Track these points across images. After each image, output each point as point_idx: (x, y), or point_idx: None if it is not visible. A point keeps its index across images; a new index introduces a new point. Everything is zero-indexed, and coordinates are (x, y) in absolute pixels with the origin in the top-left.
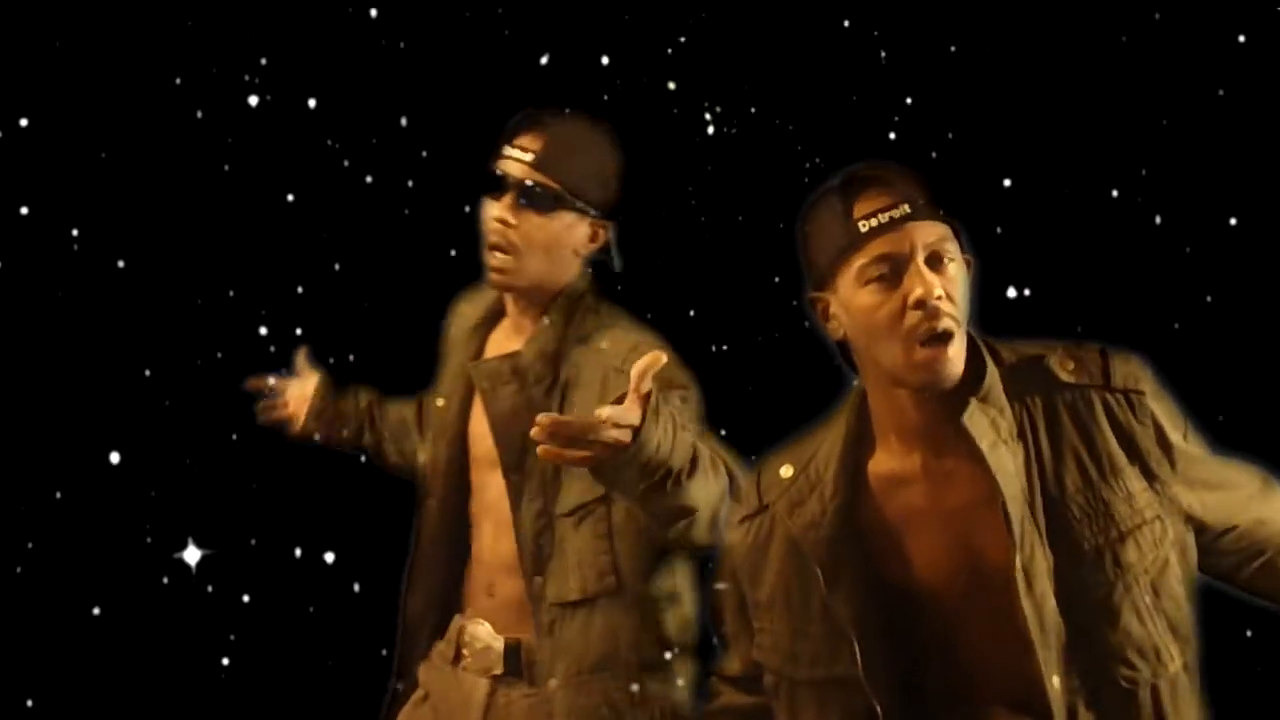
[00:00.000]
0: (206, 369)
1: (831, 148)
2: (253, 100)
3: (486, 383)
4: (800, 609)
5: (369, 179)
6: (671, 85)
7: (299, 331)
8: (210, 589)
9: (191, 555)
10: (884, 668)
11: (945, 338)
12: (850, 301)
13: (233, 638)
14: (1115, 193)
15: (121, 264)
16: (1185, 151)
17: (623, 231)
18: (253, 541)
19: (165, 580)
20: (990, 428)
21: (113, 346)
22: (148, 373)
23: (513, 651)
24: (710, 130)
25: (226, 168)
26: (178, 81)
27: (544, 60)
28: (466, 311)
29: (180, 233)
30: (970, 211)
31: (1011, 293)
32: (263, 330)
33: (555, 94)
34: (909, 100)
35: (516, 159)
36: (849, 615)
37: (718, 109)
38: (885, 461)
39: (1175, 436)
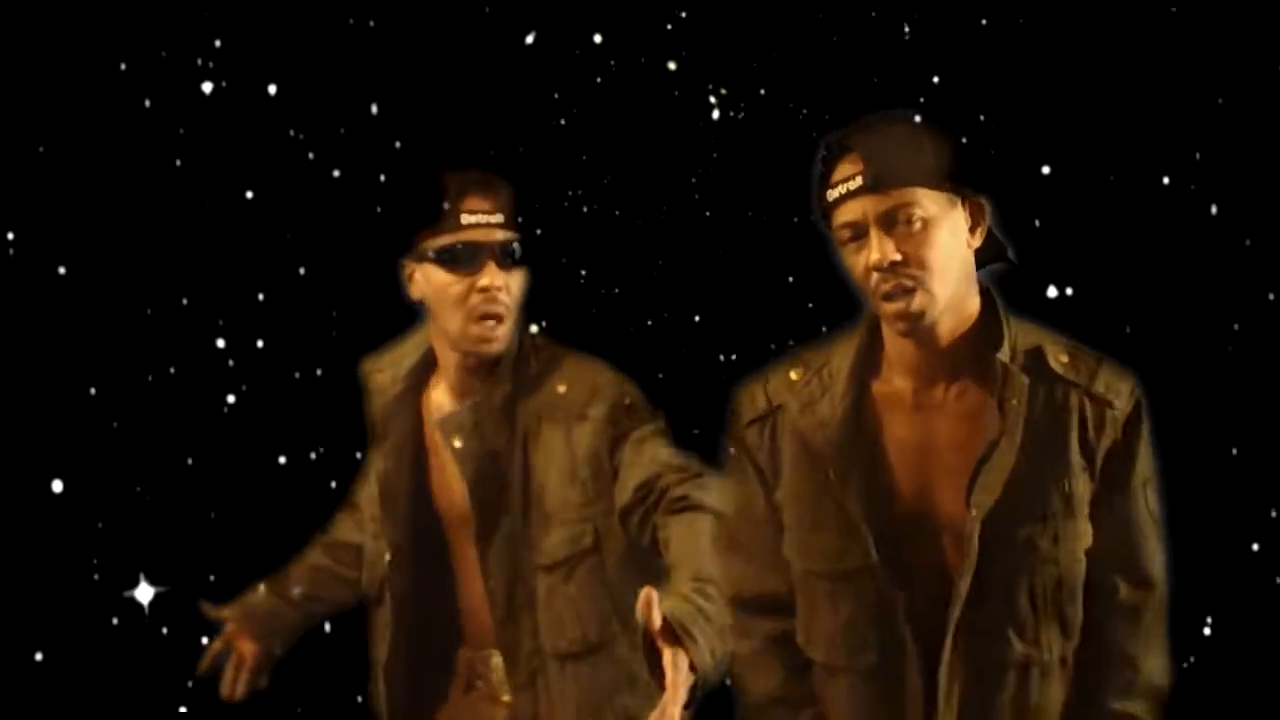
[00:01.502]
0: (158, 386)
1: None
2: (206, 87)
3: (456, 437)
4: (812, 506)
5: (336, 173)
6: (672, 65)
7: (260, 343)
8: (165, 631)
9: (144, 593)
10: (898, 565)
11: (903, 294)
12: (842, 255)
13: (190, 685)
14: (1166, 180)
15: (62, 270)
16: (1244, 133)
17: (621, 227)
18: (211, 578)
19: (115, 621)
20: (1021, 383)
21: (53, 362)
22: (93, 391)
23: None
24: (715, 115)
25: (178, 162)
26: (122, 67)
27: (529, 39)
28: (383, 382)
29: (127, 235)
30: (1003, 202)
31: (1052, 292)
32: (220, 342)
33: (542, 76)
34: (935, 79)
35: (491, 224)
36: (859, 511)
37: (723, 91)
38: (885, 386)
39: (1133, 471)
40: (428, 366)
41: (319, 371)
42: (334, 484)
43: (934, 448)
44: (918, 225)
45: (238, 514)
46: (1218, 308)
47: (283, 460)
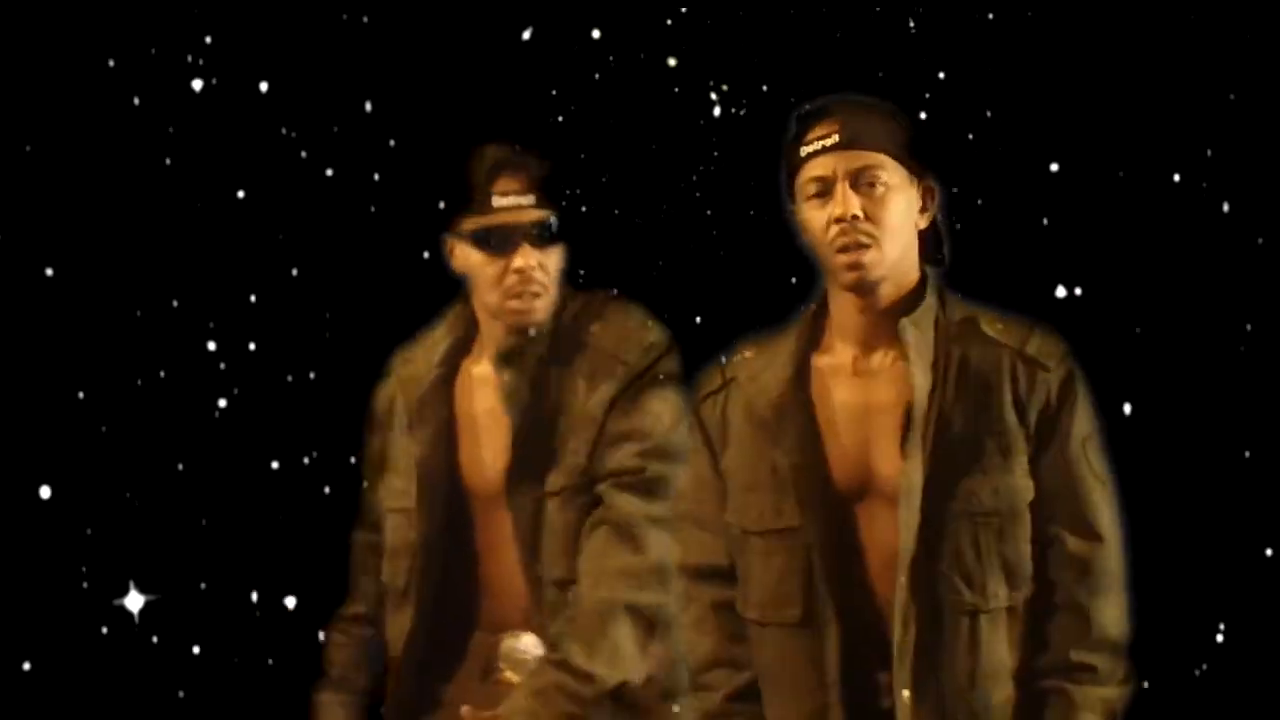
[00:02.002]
0: (148, 390)
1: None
2: (196, 84)
3: (506, 372)
4: (751, 468)
5: (330, 172)
6: (672, 61)
7: (252, 346)
8: (155, 640)
9: (134, 601)
10: (823, 523)
11: (858, 248)
12: (801, 215)
13: (181, 695)
14: (1177, 177)
15: (50, 271)
16: (1256, 129)
17: (620, 227)
18: (203, 585)
19: (104, 630)
20: (918, 342)
21: (40, 365)
22: (81, 395)
23: None
24: (716, 112)
25: (168, 161)
26: (111, 64)
27: (526, 35)
28: (418, 370)
29: (116, 235)
30: (1010, 200)
31: (1060, 292)
32: (211, 345)
33: (539, 72)
34: (941, 75)
35: (524, 205)
36: (792, 473)
37: (724, 88)
38: (827, 356)
39: (1063, 437)
40: (461, 349)
41: (312, 375)
42: (328, 489)
43: (871, 411)
44: (880, 189)
45: (230, 521)
46: (1230, 308)
47: (275, 465)
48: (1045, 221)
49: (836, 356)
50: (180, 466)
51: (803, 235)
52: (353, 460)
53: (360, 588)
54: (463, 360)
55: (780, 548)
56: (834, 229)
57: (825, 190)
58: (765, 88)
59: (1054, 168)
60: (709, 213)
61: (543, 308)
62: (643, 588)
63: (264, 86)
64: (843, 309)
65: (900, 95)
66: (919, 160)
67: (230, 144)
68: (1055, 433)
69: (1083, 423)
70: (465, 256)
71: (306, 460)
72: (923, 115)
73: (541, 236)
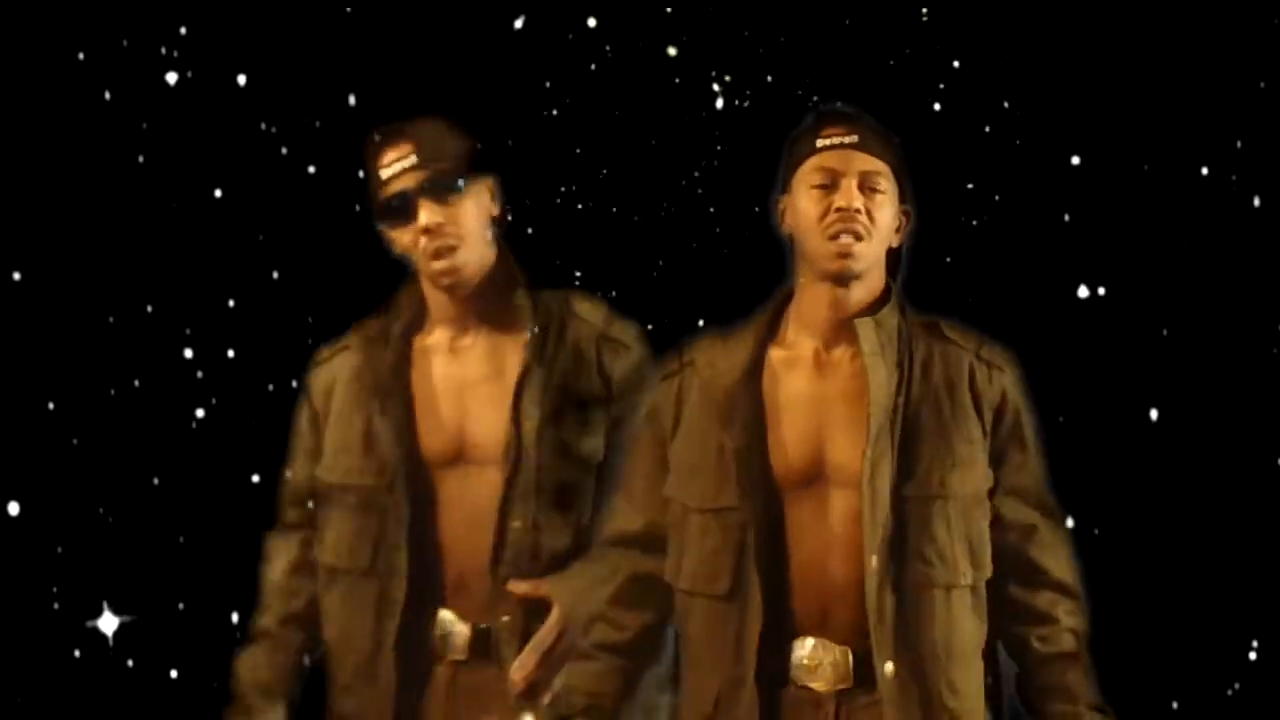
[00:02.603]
0: (121, 400)
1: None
2: (171, 77)
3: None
4: (699, 447)
5: (311, 169)
6: (672, 51)
7: (230, 353)
8: (130, 663)
9: (107, 623)
10: (760, 505)
11: (851, 236)
12: (796, 201)
13: None
14: (1205, 170)
15: (17, 276)
16: None
17: (618, 226)
18: (181, 606)
19: (76, 654)
20: (875, 340)
21: (8, 374)
22: (51, 405)
23: (482, 636)
24: (719, 104)
25: (141, 159)
26: (80, 56)
27: (518, 24)
28: (368, 355)
29: (87, 237)
30: (1029, 195)
31: (1083, 292)
32: (188, 352)
33: (532, 64)
34: (956, 64)
35: (406, 168)
36: (736, 457)
37: (727, 78)
38: (785, 349)
39: (1025, 437)
40: (411, 326)
41: (294, 383)
42: (310, 504)
43: (828, 402)
44: (879, 196)
45: (209, 537)
46: (1262, 308)
47: (256, 479)
48: (1066, 218)
49: (795, 350)
50: (156, 480)
51: (784, 222)
52: None
53: (290, 589)
54: (415, 336)
55: (716, 526)
56: (833, 216)
57: (831, 182)
58: (770, 78)
59: (1075, 161)
60: (711, 210)
61: (463, 260)
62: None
63: (242, 79)
64: (811, 303)
65: (912, 85)
66: (906, 185)
67: (207, 140)
68: (1014, 429)
69: (1033, 421)
70: (391, 239)
71: (288, 474)
72: (936, 106)
73: (436, 191)
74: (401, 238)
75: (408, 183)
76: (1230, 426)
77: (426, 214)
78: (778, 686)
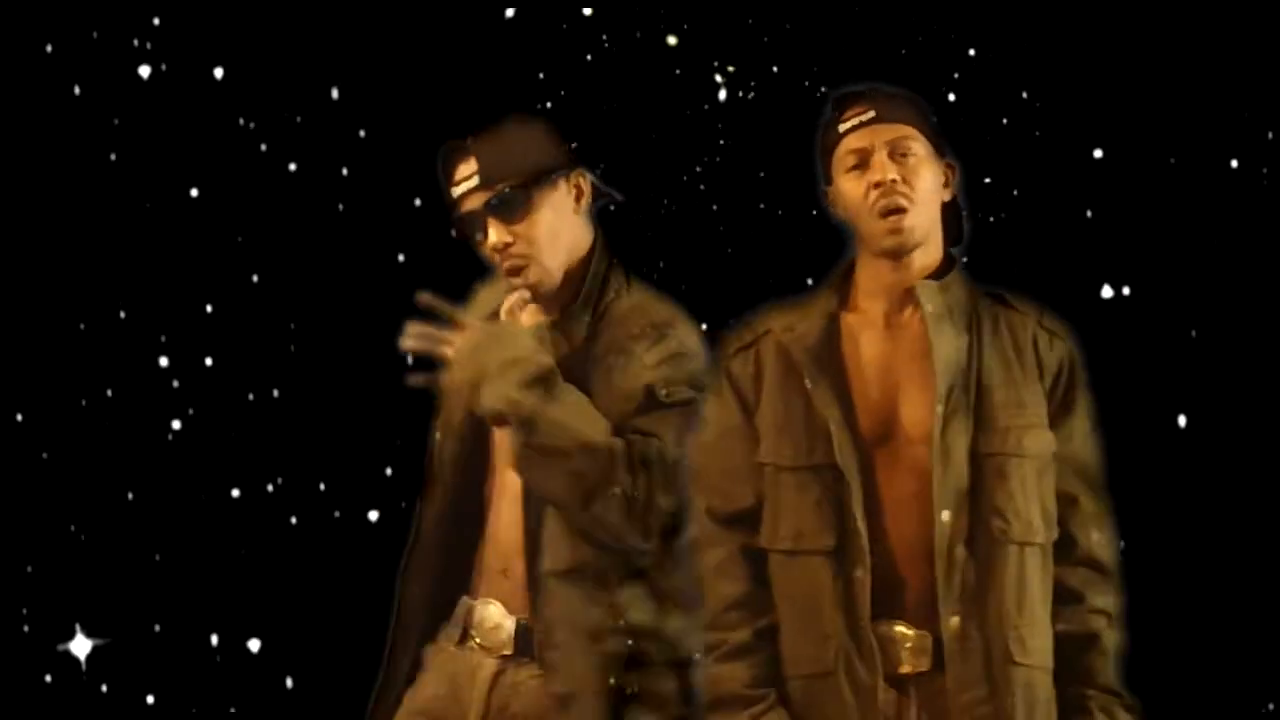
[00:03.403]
0: (93, 411)
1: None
2: (144, 71)
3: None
4: (785, 408)
5: (292, 167)
6: (672, 40)
7: (209, 361)
8: (105, 688)
9: (80, 646)
10: (855, 462)
11: (898, 210)
12: (839, 187)
13: None
14: (1235, 163)
15: None
16: None
17: (616, 224)
18: (157, 628)
19: (48, 679)
20: (940, 301)
21: None
22: (19, 417)
23: (524, 631)
24: (721, 95)
25: (113, 156)
26: (49, 49)
27: (510, 12)
28: (487, 298)
29: (56, 240)
30: (1049, 189)
31: (1107, 292)
32: (163, 361)
33: (525, 54)
34: (971, 51)
35: (470, 190)
36: (827, 412)
37: (730, 69)
38: (856, 313)
39: (1077, 406)
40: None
41: (275, 392)
42: (294, 519)
43: (899, 363)
44: (912, 159)
45: (186, 556)
46: None
47: (236, 494)
48: (1089, 214)
49: (866, 315)
50: (130, 495)
51: (837, 209)
52: (321, 487)
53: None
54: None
55: (814, 481)
56: (874, 193)
57: (863, 161)
58: (775, 68)
59: (1097, 154)
60: (715, 207)
61: (535, 274)
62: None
63: (219, 73)
64: (873, 276)
65: (925, 74)
66: (941, 139)
67: (182, 137)
68: (1071, 399)
69: (1087, 394)
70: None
71: (270, 488)
72: (950, 97)
73: (501, 211)
74: (483, 251)
75: (474, 203)
76: (1264, 434)
77: (494, 234)
78: (886, 639)
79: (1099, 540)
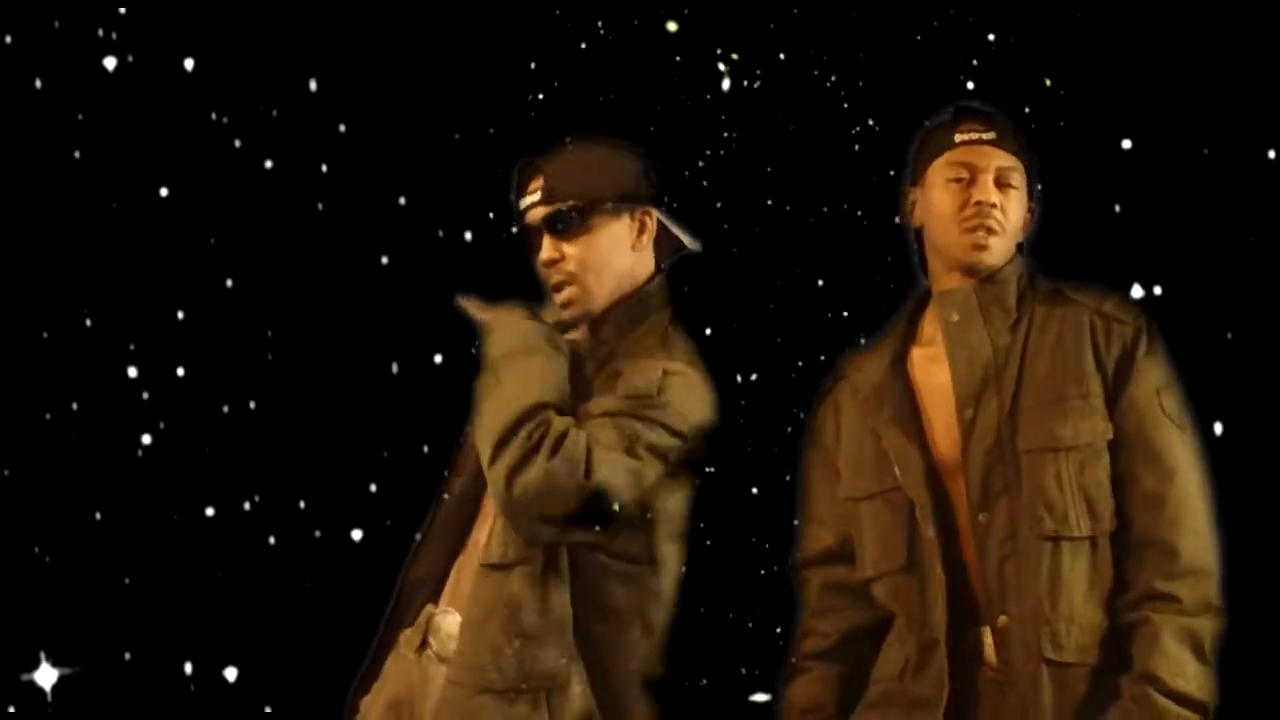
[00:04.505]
0: (58, 425)
1: (887, 105)
2: (110, 62)
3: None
4: (858, 445)
5: (269, 164)
6: (672, 26)
7: (180, 371)
8: None
9: (45, 676)
10: (921, 479)
11: (988, 232)
12: (930, 193)
13: None
14: (1273, 154)
15: None
16: None
17: None
18: (127, 656)
19: (11, 710)
20: (969, 307)
21: None
22: None
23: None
24: (725, 85)
25: (77, 154)
26: (8, 40)
27: None
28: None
29: (17, 242)
30: (1075, 183)
31: (1137, 291)
32: (132, 371)
33: (517, 43)
34: (991, 36)
35: (529, 205)
36: (891, 442)
37: (734, 56)
38: (924, 346)
39: (1136, 382)
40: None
41: (252, 404)
42: (272, 540)
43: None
44: (1013, 191)
45: (157, 579)
46: None
47: (210, 512)
48: (1117, 208)
49: (933, 344)
50: (98, 515)
51: (915, 214)
52: (301, 505)
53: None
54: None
55: (885, 506)
56: (971, 209)
57: (970, 177)
58: (782, 55)
59: (1126, 144)
60: (718, 204)
61: (575, 297)
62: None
63: (189, 64)
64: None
65: (943, 60)
66: (1035, 175)
67: (151, 132)
68: (1130, 379)
69: (1156, 371)
70: None
71: (247, 506)
72: (969, 85)
73: (554, 227)
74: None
75: (532, 218)
76: None
77: (546, 248)
78: (974, 667)
79: (1163, 520)
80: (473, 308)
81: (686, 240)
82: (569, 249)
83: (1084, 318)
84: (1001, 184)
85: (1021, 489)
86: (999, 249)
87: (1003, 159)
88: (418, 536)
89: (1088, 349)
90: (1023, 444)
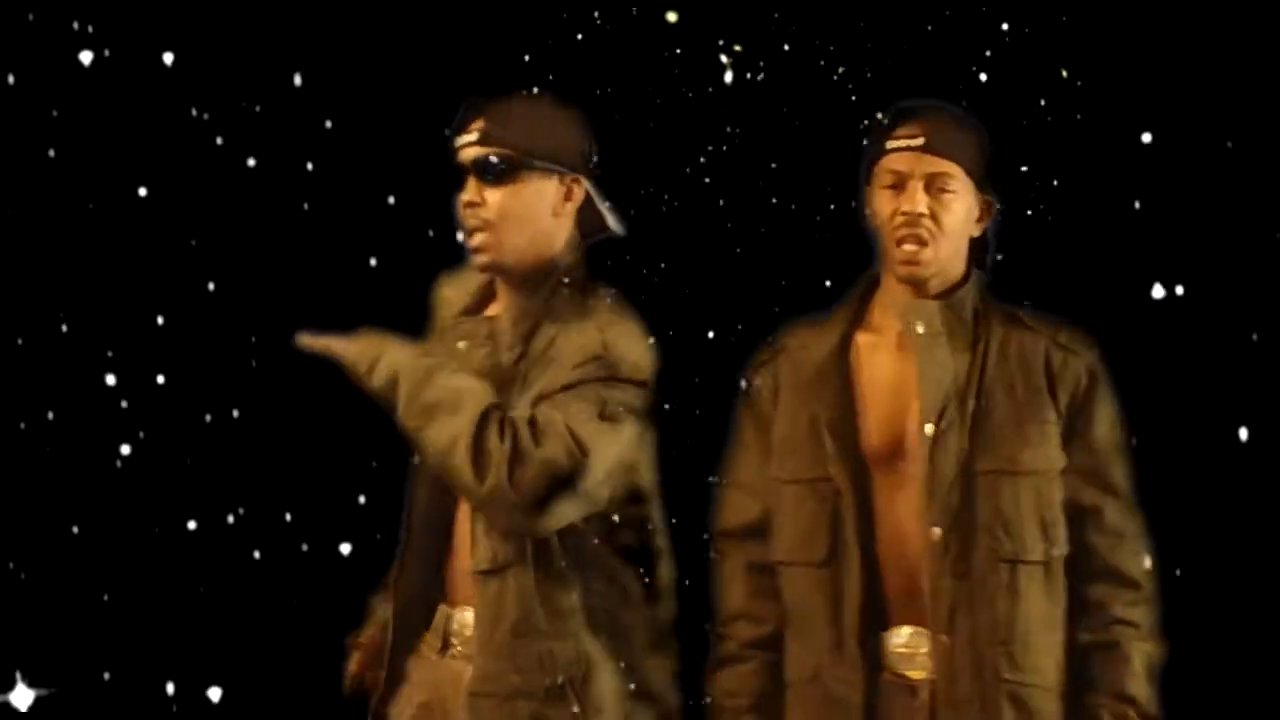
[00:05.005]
0: (34, 436)
1: (896, 98)
2: (85, 57)
3: (462, 342)
4: (793, 422)
5: (251, 162)
6: (672, 17)
7: (160, 379)
8: None
9: (21, 698)
10: (852, 476)
11: (917, 242)
12: (872, 199)
13: None
14: None
15: None
16: None
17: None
18: (106, 676)
19: None
20: (937, 323)
21: None
22: None
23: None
24: (728, 77)
25: (52, 152)
26: None
27: None
28: (451, 296)
29: None
30: (1093, 178)
31: (1158, 292)
32: (110, 379)
33: (511, 32)
34: (1004, 25)
35: (465, 143)
36: (826, 423)
37: (736, 48)
38: (871, 332)
39: (1095, 418)
40: (486, 292)
41: (235, 413)
42: (257, 554)
43: (909, 379)
44: (948, 196)
45: (137, 595)
46: None
47: (193, 526)
48: (1136, 205)
49: (880, 333)
50: (75, 529)
51: (867, 215)
52: (288, 517)
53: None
54: (490, 301)
55: (811, 495)
56: (899, 219)
57: (899, 184)
58: (786, 46)
59: (1146, 138)
60: (721, 202)
61: (485, 245)
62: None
63: (168, 58)
64: (890, 294)
65: (954, 51)
66: (985, 176)
67: (128, 130)
68: (1090, 413)
69: (1111, 405)
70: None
71: (231, 519)
72: (983, 76)
73: (482, 171)
74: (884, 209)
75: (464, 157)
76: None
77: (468, 190)
78: (875, 671)
79: (1123, 551)
80: (319, 344)
81: (611, 222)
82: (491, 196)
83: (1041, 345)
84: (934, 190)
85: (977, 509)
86: (929, 259)
87: (933, 164)
88: (398, 552)
89: (1044, 378)
90: (981, 464)
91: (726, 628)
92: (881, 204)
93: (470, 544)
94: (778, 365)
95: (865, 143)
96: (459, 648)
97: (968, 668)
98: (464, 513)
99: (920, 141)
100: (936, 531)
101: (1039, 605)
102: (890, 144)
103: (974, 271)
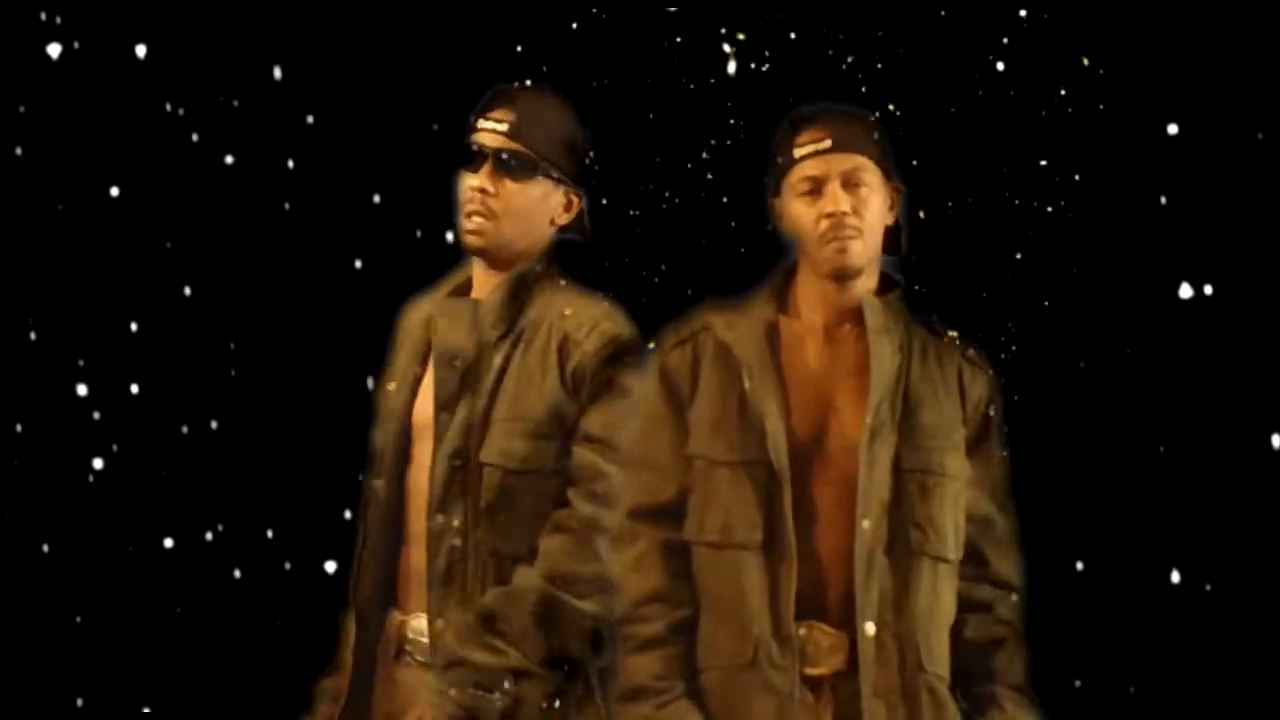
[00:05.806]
0: (2, 449)
1: (908, 89)
2: (54, 50)
3: (445, 318)
4: (723, 404)
5: (229, 159)
6: (672, 8)
7: (134, 389)
8: None
9: None
10: (788, 462)
11: (845, 239)
12: (789, 208)
13: None
14: None
15: None
16: None
17: (613, 217)
18: (79, 702)
19: None
20: (881, 320)
21: None
22: None
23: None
24: (731, 68)
25: (19, 150)
26: None
27: None
28: (422, 305)
29: None
30: (1116, 173)
31: (1185, 291)
32: (82, 389)
33: (505, 23)
34: (1022, 11)
35: (491, 130)
36: (764, 410)
37: (740, 37)
38: (796, 322)
39: (994, 435)
40: (462, 290)
41: (214, 424)
42: (237, 573)
43: (837, 375)
44: (865, 190)
45: (111, 617)
46: None
47: (169, 544)
48: (1163, 200)
49: (806, 324)
50: (45, 548)
51: (782, 224)
52: (269, 534)
53: None
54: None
55: (746, 477)
56: (825, 223)
57: (816, 189)
58: (792, 35)
59: (1172, 129)
60: (725, 199)
61: (485, 230)
62: (584, 597)
63: (141, 50)
64: (815, 291)
65: (970, 39)
66: (889, 164)
67: (100, 126)
68: (990, 430)
69: (1000, 425)
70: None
71: (209, 536)
72: (999, 65)
73: (504, 164)
74: (461, 185)
75: (488, 141)
76: None
77: (482, 176)
78: (808, 633)
79: (1008, 561)
80: None
81: (583, 232)
82: (503, 188)
83: (955, 358)
84: (850, 186)
85: (905, 505)
86: (859, 252)
87: (845, 162)
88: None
89: (957, 389)
90: (907, 463)
91: (641, 609)
92: (800, 210)
93: (429, 558)
94: (698, 343)
95: (771, 155)
96: (416, 656)
97: (893, 658)
98: (415, 514)
99: (828, 143)
100: (866, 523)
101: (947, 603)
102: (798, 151)
103: (896, 277)
